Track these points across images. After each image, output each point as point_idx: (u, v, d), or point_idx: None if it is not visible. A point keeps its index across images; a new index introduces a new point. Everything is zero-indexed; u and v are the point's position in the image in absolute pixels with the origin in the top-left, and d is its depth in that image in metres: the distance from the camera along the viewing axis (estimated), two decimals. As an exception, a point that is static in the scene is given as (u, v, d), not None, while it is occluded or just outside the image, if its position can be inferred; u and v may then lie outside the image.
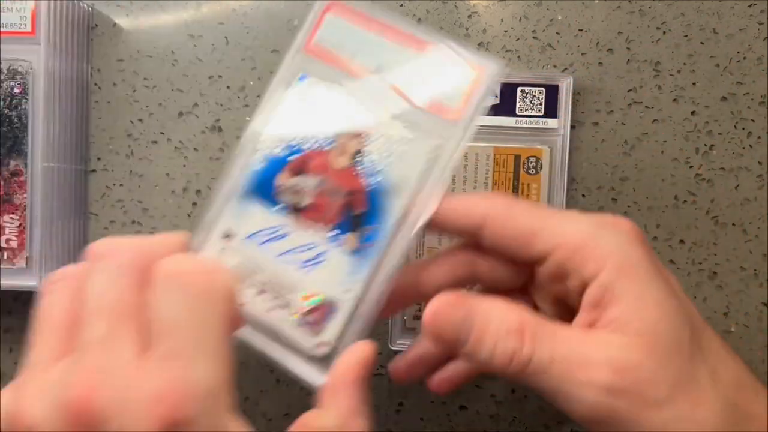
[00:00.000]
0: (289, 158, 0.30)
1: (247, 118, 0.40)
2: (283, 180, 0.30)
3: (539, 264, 0.27)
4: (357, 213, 0.29)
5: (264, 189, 0.30)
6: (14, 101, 0.37)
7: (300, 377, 0.28)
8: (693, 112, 0.38)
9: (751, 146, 0.38)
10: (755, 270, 0.38)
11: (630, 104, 0.38)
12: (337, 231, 0.29)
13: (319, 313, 0.29)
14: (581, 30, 0.39)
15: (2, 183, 0.37)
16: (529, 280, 0.29)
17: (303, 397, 0.40)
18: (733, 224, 0.38)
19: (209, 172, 0.40)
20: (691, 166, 0.38)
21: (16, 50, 0.37)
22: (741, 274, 0.38)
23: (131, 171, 0.41)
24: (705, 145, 0.38)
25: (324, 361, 0.28)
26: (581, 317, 0.26)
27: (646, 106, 0.38)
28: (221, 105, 0.40)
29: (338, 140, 0.30)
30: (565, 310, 0.28)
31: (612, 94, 0.39)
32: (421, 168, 0.29)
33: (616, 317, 0.25)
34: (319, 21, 0.30)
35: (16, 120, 0.37)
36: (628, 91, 0.38)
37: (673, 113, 0.38)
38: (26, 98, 0.37)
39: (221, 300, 0.23)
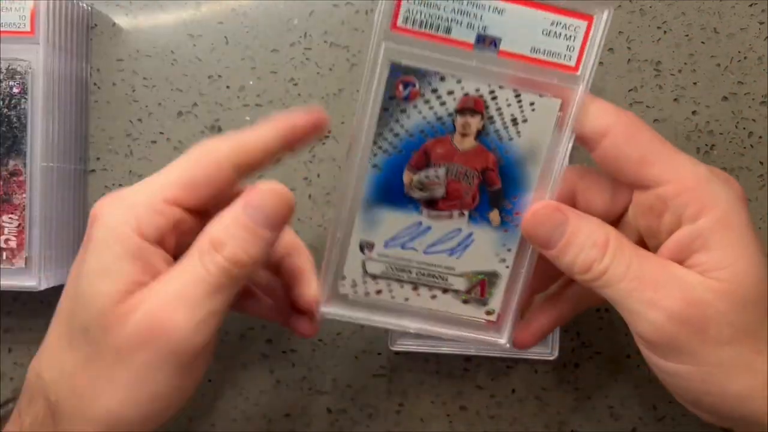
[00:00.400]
0: (411, 153, 0.29)
1: (247, 118, 0.40)
2: (410, 178, 0.29)
3: (642, 190, 0.27)
4: (494, 189, 0.29)
5: (390, 192, 0.29)
6: (13, 101, 0.37)
7: (484, 343, 0.30)
8: (694, 112, 0.38)
9: (751, 146, 0.38)
10: (756, 270, 0.38)
11: (631, 104, 0.38)
12: (478, 212, 0.29)
13: (480, 288, 0.30)
14: (582, 29, 0.38)
15: (1, 183, 0.37)
16: (616, 218, 0.30)
17: (303, 397, 0.40)
18: (734, 224, 0.38)
19: (209, 172, 0.40)
20: (691, 166, 0.38)
21: (15, 50, 0.37)
22: (741, 274, 0.38)
23: (130, 171, 0.41)
24: (706, 144, 0.38)
25: (496, 325, 0.30)
26: (663, 253, 0.27)
27: (647, 106, 0.38)
28: (221, 105, 0.40)
29: (457, 122, 0.28)
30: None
31: (613, 93, 0.38)
32: (551, 128, 0.28)
33: (703, 262, 0.26)
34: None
35: (15, 120, 0.37)
36: (629, 90, 0.38)
37: (673, 113, 0.38)
38: (25, 98, 0.37)
39: (110, 229, 0.28)
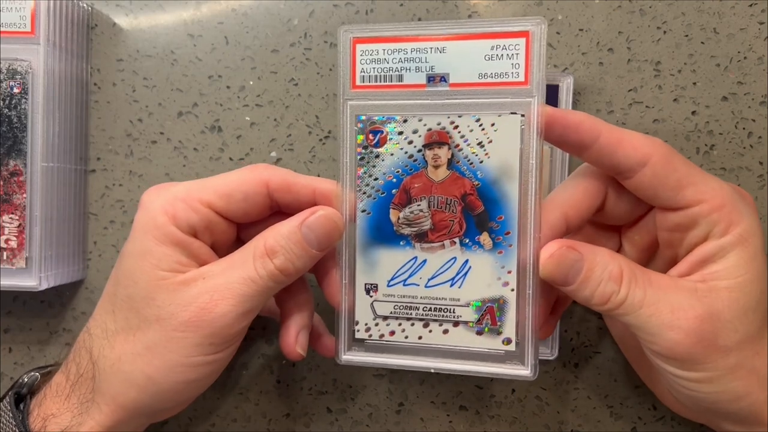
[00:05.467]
0: (392, 192, 0.31)
1: (247, 118, 0.40)
2: (396, 215, 0.31)
3: (675, 210, 0.29)
4: (477, 213, 0.30)
5: (382, 233, 0.31)
6: (14, 101, 0.37)
7: (508, 377, 0.30)
8: (693, 112, 0.38)
9: (751, 146, 0.38)
10: (756, 270, 0.38)
11: (630, 104, 0.38)
12: (468, 237, 0.30)
13: (490, 316, 0.30)
14: (581, 30, 0.38)
15: (2, 183, 0.37)
16: (629, 223, 0.32)
17: (303, 397, 0.40)
18: (734, 224, 0.38)
19: (209, 172, 0.40)
20: (691, 166, 0.38)
21: (15, 50, 0.37)
22: (741, 274, 0.38)
23: (131, 171, 0.41)
24: (705, 145, 0.38)
25: (516, 355, 0.30)
26: (683, 265, 0.30)
27: (646, 106, 0.38)
28: (221, 105, 0.40)
29: (427, 156, 0.30)
30: (647, 256, 0.32)
31: (612, 93, 0.38)
32: (518, 143, 0.29)
33: (718, 270, 0.28)
34: (354, 57, 0.30)
35: (15, 120, 0.37)
36: (629, 90, 0.38)
37: (673, 113, 0.38)
38: (26, 98, 0.37)
39: (151, 217, 0.31)
